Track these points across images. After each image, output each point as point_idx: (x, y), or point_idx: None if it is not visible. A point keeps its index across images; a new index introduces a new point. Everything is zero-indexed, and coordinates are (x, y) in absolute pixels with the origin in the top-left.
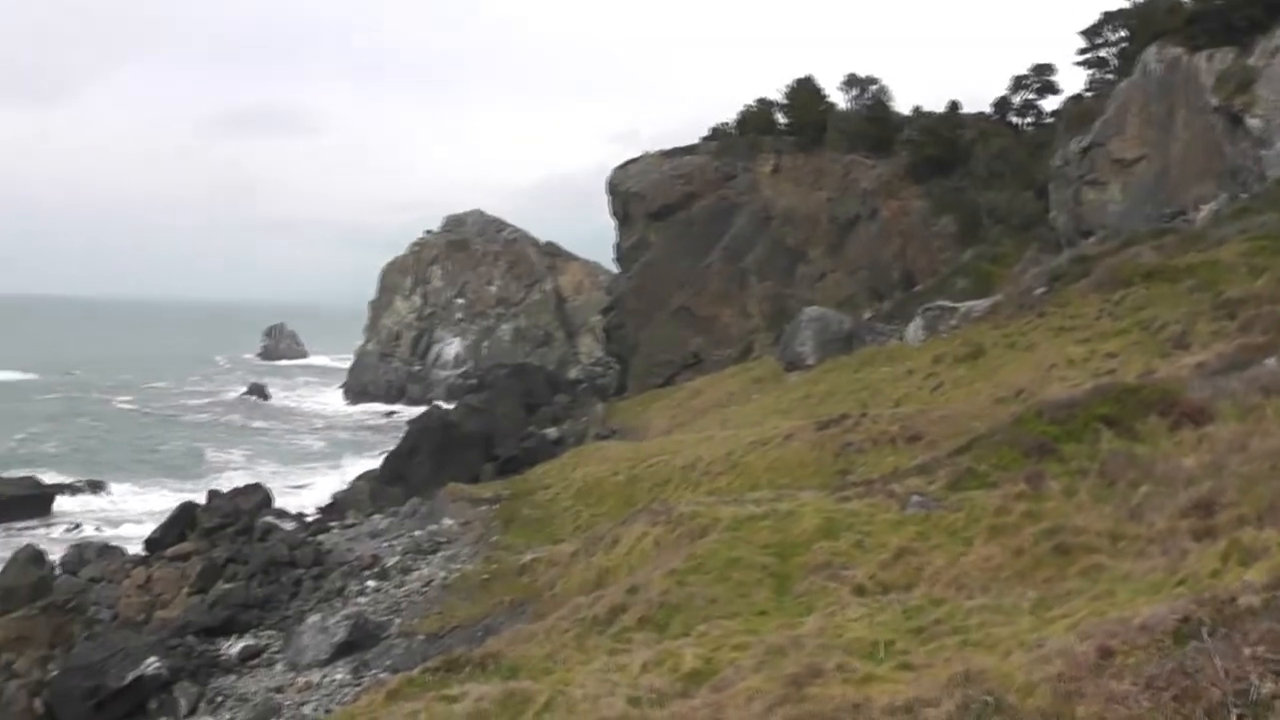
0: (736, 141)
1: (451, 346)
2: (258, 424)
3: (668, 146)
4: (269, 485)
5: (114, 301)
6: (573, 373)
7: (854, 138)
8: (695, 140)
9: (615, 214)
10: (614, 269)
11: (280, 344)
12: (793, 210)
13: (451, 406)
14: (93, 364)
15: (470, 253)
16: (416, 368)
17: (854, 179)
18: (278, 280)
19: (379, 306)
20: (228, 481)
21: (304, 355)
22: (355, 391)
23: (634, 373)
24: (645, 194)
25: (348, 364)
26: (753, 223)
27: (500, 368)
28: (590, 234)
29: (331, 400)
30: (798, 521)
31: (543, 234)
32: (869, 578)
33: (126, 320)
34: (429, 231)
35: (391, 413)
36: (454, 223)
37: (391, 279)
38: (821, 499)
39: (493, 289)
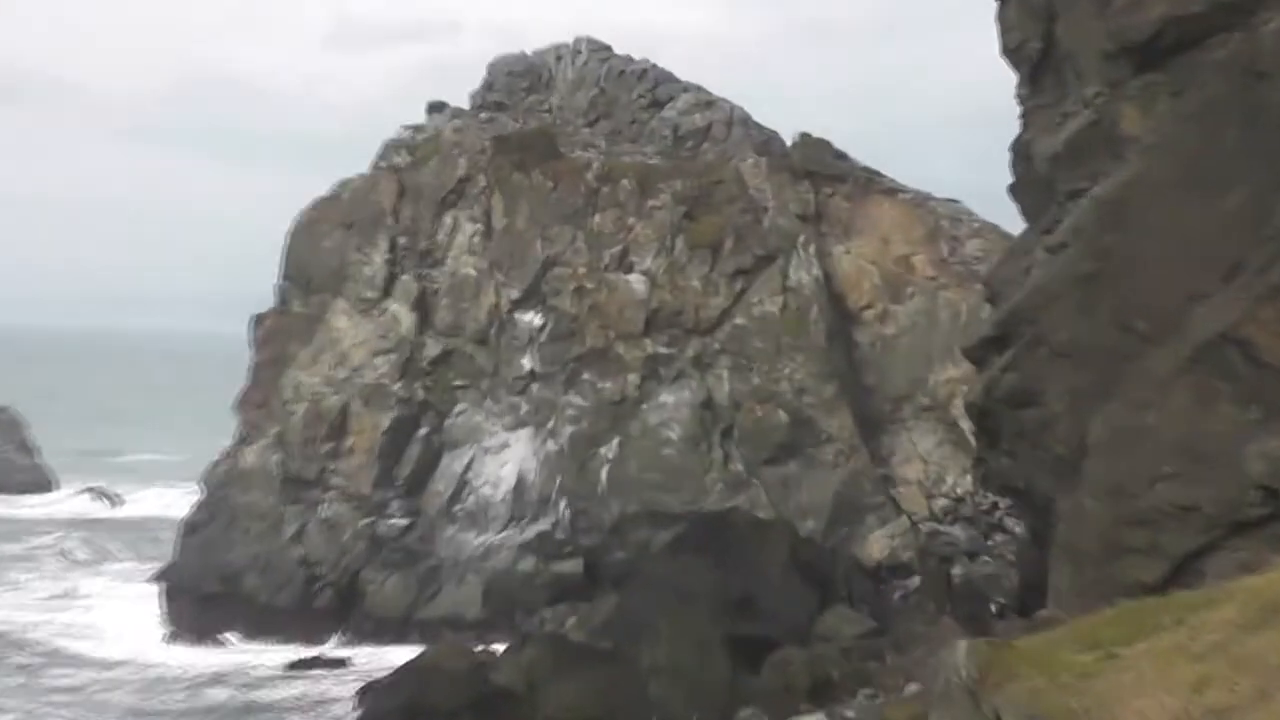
0: None
1: (505, 459)
2: None
3: None
4: None
5: None
6: (876, 543)
7: None
8: None
9: (1011, 51)
10: (1007, 223)
11: None
12: None
13: (500, 648)
14: None
15: (562, 167)
16: (395, 520)
17: None
18: None
19: (280, 335)
20: None
21: (42, 484)
22: (196, 599)
23: (1070, 541)
24: None
25: (179, 509)
26: None
27: (654, 521)
28: (927, 116)
29: (124, 624)
30: None
31: (783, 117)
32: None
33: None
34: (439, 108)
35: (309, 661)
36: (510, 77)
37: (318, 250)
38: None
39: (634, 284)
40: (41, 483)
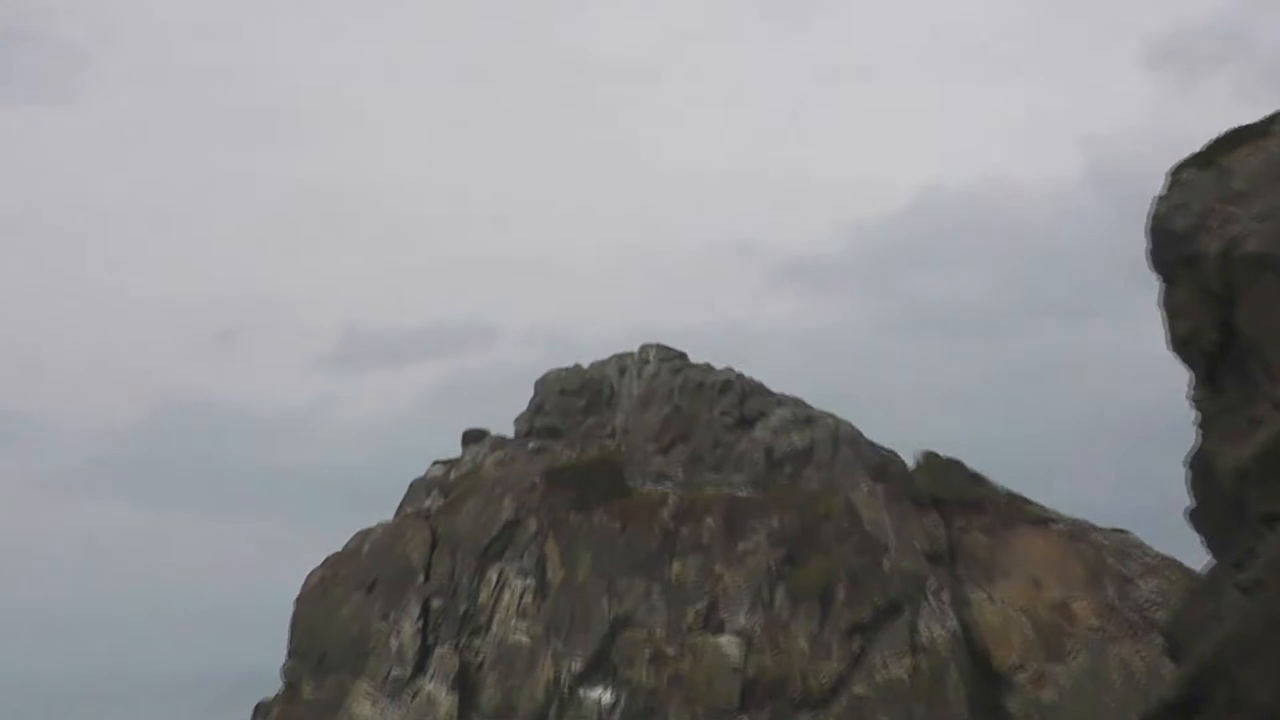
0: None
1: None
2: None
3: None
4: None
5: None
6: None
7: None
8: None
9: (1181, 343)
10: (1188, 557)
11: None
12: None
13: None
14: None
15: (631, 504)
16: None
17: None
18: None
19: None
20: None
21: None
22: None
23: None
24: None
25: None
26: None
27: None
28: (1077, 422)
29: None
30: None
31: (895, 426)
32: None
33: None
34: (477, 437)
35: None
36: (563, 395)
37: (332, 619)
38: None
39: (725, 648)
40: None
